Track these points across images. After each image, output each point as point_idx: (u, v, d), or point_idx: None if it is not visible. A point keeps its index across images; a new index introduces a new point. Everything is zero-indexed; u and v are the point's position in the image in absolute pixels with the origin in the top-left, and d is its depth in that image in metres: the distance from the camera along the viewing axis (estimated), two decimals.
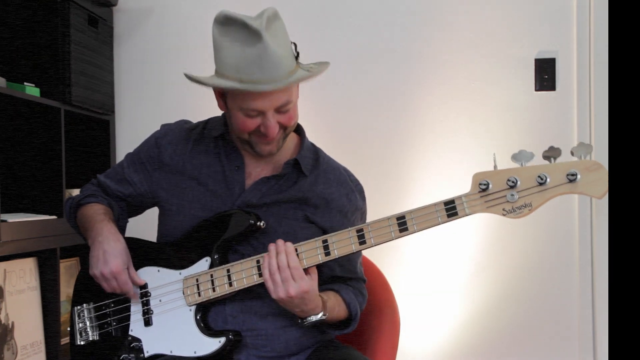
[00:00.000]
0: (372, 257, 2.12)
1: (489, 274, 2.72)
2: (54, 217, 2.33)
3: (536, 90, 2.71)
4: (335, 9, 2.77)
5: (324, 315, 1.64)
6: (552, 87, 2.70)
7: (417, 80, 2.74)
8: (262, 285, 1.65)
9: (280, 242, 1.62)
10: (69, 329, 1.84)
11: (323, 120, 2.73)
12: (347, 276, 1.81)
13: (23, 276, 2.28)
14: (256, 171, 1.78)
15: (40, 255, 2.35)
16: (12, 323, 2.20)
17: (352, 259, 1.80)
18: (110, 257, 1.71)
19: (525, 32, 2.71)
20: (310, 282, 1.60)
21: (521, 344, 2.71)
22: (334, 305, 1.71)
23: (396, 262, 2.70)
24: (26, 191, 2.37)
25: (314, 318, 1.64)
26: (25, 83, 2.28)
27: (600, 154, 2.66)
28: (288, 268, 1.58)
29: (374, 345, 1.92)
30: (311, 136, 1.91)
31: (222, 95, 1.71)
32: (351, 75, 2.76)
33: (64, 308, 2.46)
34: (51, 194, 2.37)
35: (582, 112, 2.67)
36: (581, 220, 2.69)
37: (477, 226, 2.71)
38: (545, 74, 2.69)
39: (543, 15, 2.70)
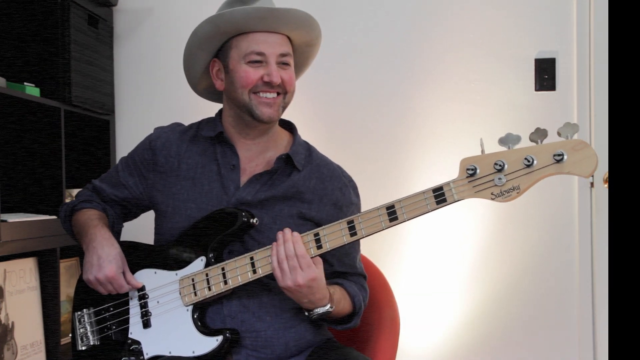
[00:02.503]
0: (372, 257, 2.12)
1: (488, 274, 2.72)
2: (54, 217, 2.33)
3: (536, 90, 2.71)
4: (335, 8, 2.76)
5: (331, 307, 1.65)
6: (552, 87, 2.70)
7: (417, 81, 2.74)
8: (258, 283, 1.66)
9: (287, 230, 1.62)
10: (70, 335, 1.85)
11: (322, 120, 2.74)
12: (347, 271, 1.81)
13: (23, 276, 2.28)
14: (251, 167, 1.79)
15: (40, 255, 2.35)
16: (12, 323, 2.20)
17: (350, 254, 1.81)
18: (104, 262, 1.71)
19: (525, 32, 2.71)
20: (318, 271, 1.60)
21: (521, 343, 2.71)
22: (340, 298, 1.71)
23: (396, 262, 2.70)
24: (26, 191, 2.37)
25: (321, 310, 1.64)
26: (25, 83, 2.28)
27: (601, 154, 2.65)
28: (295, 256, 1.59)
29: (374, 345, 1.92)
30: (309, 136, 1.92)
31: (223, 62, 1.76)
32: (351, 75, 2.76)
33: (64, 308, 2.47)
34: (51, 194, 2.37)
35: (582, 112, 2.67)
36: (581, 220, 2.68)
37: (477, 226, 2.71)
38: (545, 74, 2.69)
39: (543, 15, 2.70)
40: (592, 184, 2.68)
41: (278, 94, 1.74)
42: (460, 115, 2.71)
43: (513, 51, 2.71)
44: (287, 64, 1.75)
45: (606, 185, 2.65)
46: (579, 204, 2.69)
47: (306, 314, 1.66)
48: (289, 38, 1.77)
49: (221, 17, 1.72)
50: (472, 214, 2.70)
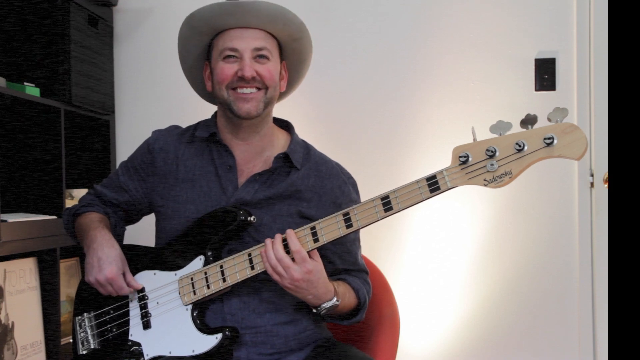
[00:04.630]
0: (372, 257, 2.12)
1: (488, 273, 2.72)
2: (54, 217, 2.33)
3: (536, 90, 2.71)
4: (335, 8, 2.76)
5: (337, 300, 1.65)
6: (552, 87, 2.70)
7: (416, 81, 2.74)
8: (257, 280, 1.67)
9: (278, 236, 1.62)
10: (71, 339, 1.85)
11: (322, 121, 2.73)
12: (349, 268, 1.82)
13: (23, 276, 2.28)
14: (248, 168, 1.79)
15: (40, 255, 2.35)
16: (12, 323, 2.20)
17: (351, 251, 1.81)
18: (104, 263, 1.72)
19: (525, 32, 2.71)
20: (314, 263, 1.61)
21: (521, 343, 2.71)
22: (344, 292, 1.72)
23: (396, 262, 2.71)
24: (26, 191, 2.37)
25: (328, 304, 1.64)
26: (25, 83, 2.28)
27: (600, 154, 2.67)
28: (287, 256, 1.59)
29: (374, 345, 1.92)
30: (309, 136, 1.92)
31: (210, 64, 1.78)
32: (350, 76, 2.76)
33: (64, 308, 2.47)
34: (51, 194, 2.37)
35: (582, 112, 2.67)
36: (581, 220, 2.68)
37: (476, 226, 2.71)
38: (545, 74, 2.69)
39: (543, 15, 2.70)
40: (592, 184, 2.68)
41: (259, 89, 1.74)
42: (460, 115, 2.71)
43: (513, 51, 2.71)
44: (264, 57, 1.74)
45: (606, 185, 2.65)
46: (579, 204, 2.69)
47: (314, 310, 1.67)
48: (273, 35, 1.77)
49: (192, 17, 1.76)
50: (472, 214, 2.70)
